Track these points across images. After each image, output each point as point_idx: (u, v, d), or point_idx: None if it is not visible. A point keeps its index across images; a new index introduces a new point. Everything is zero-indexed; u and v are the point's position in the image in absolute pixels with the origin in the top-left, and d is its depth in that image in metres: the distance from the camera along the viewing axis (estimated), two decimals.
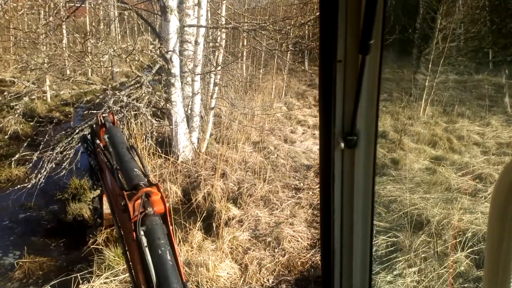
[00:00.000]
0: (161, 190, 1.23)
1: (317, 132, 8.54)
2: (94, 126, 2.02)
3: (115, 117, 2.03)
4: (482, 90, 10.54)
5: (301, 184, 6.14)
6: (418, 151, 7.00)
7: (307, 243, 4.62)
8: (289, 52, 8.57)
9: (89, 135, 2.03)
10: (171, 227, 1.20)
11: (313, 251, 4.48)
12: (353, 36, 0.77)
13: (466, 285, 3.62)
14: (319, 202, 5.53)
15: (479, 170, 5.99)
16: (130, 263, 1.25)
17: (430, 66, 9.03)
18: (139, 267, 1.15)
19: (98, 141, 1.88)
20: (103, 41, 5.42)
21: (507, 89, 9.80)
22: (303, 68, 11.96)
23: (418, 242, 4.16)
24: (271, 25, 5.67)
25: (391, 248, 4.16)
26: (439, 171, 5.86)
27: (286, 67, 12.27)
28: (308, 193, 5.85)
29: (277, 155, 7.15)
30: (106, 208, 1.89)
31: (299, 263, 4.28)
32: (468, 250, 3.91)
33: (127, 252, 1.27)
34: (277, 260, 4.24)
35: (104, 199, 1.92)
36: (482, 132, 7.96)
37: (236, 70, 9.76)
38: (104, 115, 2.03)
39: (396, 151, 6.94)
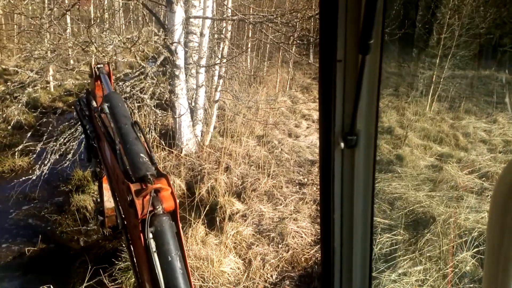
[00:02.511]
0: (171, 183, 1.14)
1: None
2: (89, 78, 1.80)
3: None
4: (489, 86, 10.43)
5: (305, 180, 6.10)
6: (423, 147, 6.93)
7: (311, 239, 4.59)
8: (294, 45, 8.47)
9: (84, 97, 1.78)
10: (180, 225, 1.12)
11: (317, 247, 4.46)
12: (353, 36, 0.77)
13: (471, 285, 3.59)
14: (317, 198, 5.50)
15: (485, 168, 5.92)
16: (135, 260, 1.17)
17: (437, 61, 8.92)
18: (145, 272, 1.08)
19: (94, 104, 1.66)
20: (108, 31, 5.35)
21: (509, 87, 9.70)
22: (308, 61, 11.84)
23: (423, 240, 4.13)
24: (278, 18, 5.57)
25: (396, 246, 4.13)
26: (445, 169, 5.80)
27: (291, 60, 12.16)
28: (312, 188, 5.81)
29: (281, 149, 7.10)
30: (108, 201, 1.72)
31: (302, 259, 4.26)
32: (474, 250, 3.88)
33: (131, 247, 1.19)
34: (280, 256, 4.22)
35: (105, 185, 1.71)
36: (489, 129, 7.88)
37: (241, 63, 9.67)
38: (99, 65, 1.78)
39: (401, 147, 6.87)
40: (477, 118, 8.49)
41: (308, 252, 4.36)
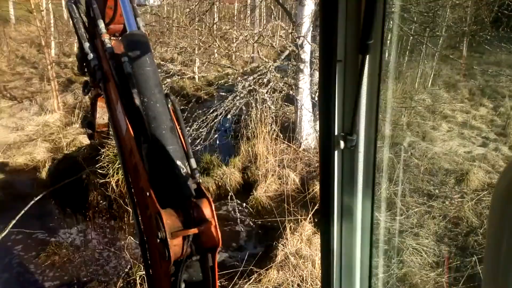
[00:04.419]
0: (214, 213, 0.87)
1: (467, 131, 7.48)
2: None
3: None
4: None
5: (436, 191, 5.35)
6: None
7: (432, 260, 4.02)
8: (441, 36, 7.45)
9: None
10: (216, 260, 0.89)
11: (438, 270, 3.87)
12: (353, 36, 0.78)
13: None
14: (448, 213, 4.81)
15: None
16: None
17: None
18: None
19: (101, 24, 1.13)
20: (243, 27, 5.66)
21: None
22: (450, 55, 10.29)
23: None
24: (414, 7, 4.95)
25: None
26: None
27: (437, 54, 10.76)
28: (444, 202, 5.06)
29: (411, 153, 6.39)
30: (100, 118, 1.52)
31: (419, 281, 3.76)
32: None
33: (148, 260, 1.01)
34: (392, 271, 3.81)
35: (100, 104, 1.48)
36: None
37: None
38: None
39: None
40: None
41: (427, 275, 3.82)
